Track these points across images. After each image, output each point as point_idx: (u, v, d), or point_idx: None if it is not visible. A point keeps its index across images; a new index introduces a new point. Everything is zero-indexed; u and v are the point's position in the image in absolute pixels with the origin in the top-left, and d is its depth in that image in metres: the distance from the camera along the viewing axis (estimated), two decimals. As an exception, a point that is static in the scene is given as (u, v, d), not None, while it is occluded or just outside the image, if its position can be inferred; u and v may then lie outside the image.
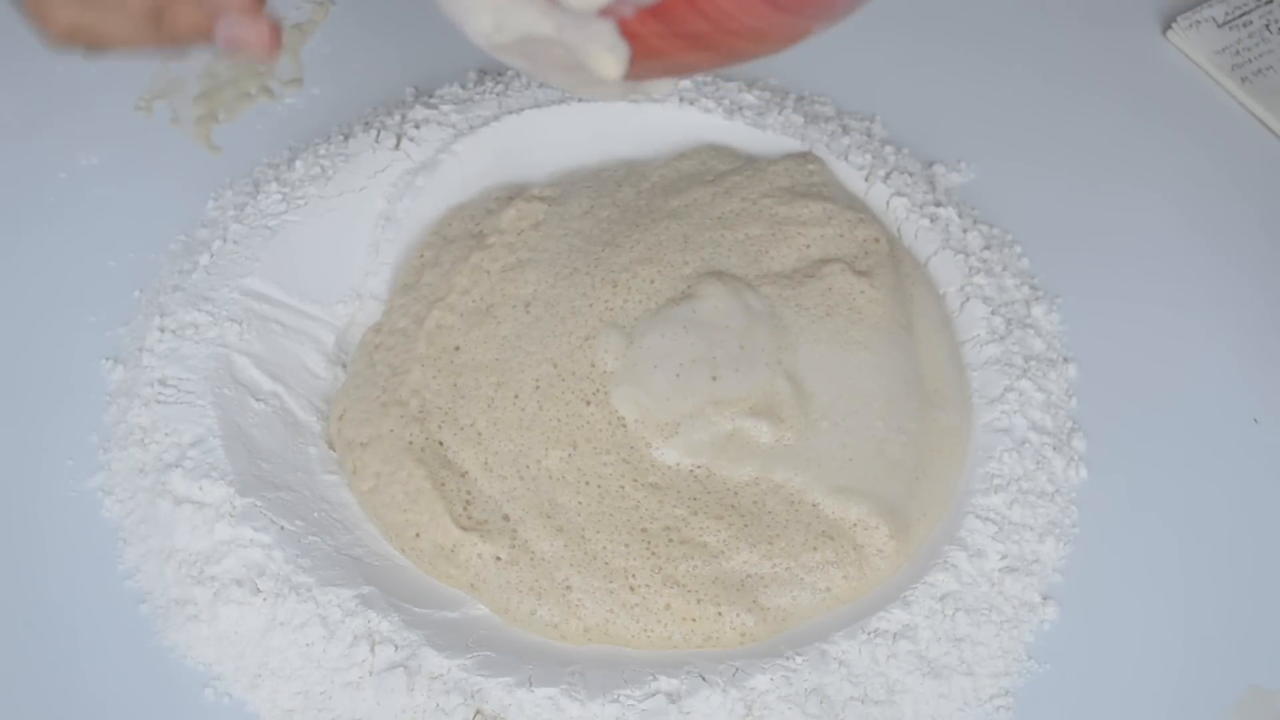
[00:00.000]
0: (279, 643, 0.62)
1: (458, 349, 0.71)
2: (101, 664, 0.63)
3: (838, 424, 0.68)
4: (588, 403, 0.69)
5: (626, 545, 0.65)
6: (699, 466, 0.68)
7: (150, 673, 0.63)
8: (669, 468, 0.67)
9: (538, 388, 0.69)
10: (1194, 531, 0.69)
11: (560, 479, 0.67)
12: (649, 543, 0.65)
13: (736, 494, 0.67)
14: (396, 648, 0.61)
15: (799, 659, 0.62)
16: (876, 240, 0.75)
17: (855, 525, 0.66)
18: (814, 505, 0.66)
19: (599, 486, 0.67)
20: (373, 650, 0.61)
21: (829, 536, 0.65)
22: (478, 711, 0.60)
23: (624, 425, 0.68)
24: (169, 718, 0.62)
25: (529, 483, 0.67)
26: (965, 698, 0.63)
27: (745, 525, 0.65)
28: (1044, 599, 0.66)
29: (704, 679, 0.61)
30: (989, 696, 0.63)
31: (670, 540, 0.65)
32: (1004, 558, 0.66)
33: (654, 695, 0.60)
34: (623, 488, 0.67)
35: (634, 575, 0.64)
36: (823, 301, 0.72)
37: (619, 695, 0.60)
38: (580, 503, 0.66)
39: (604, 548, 0.65)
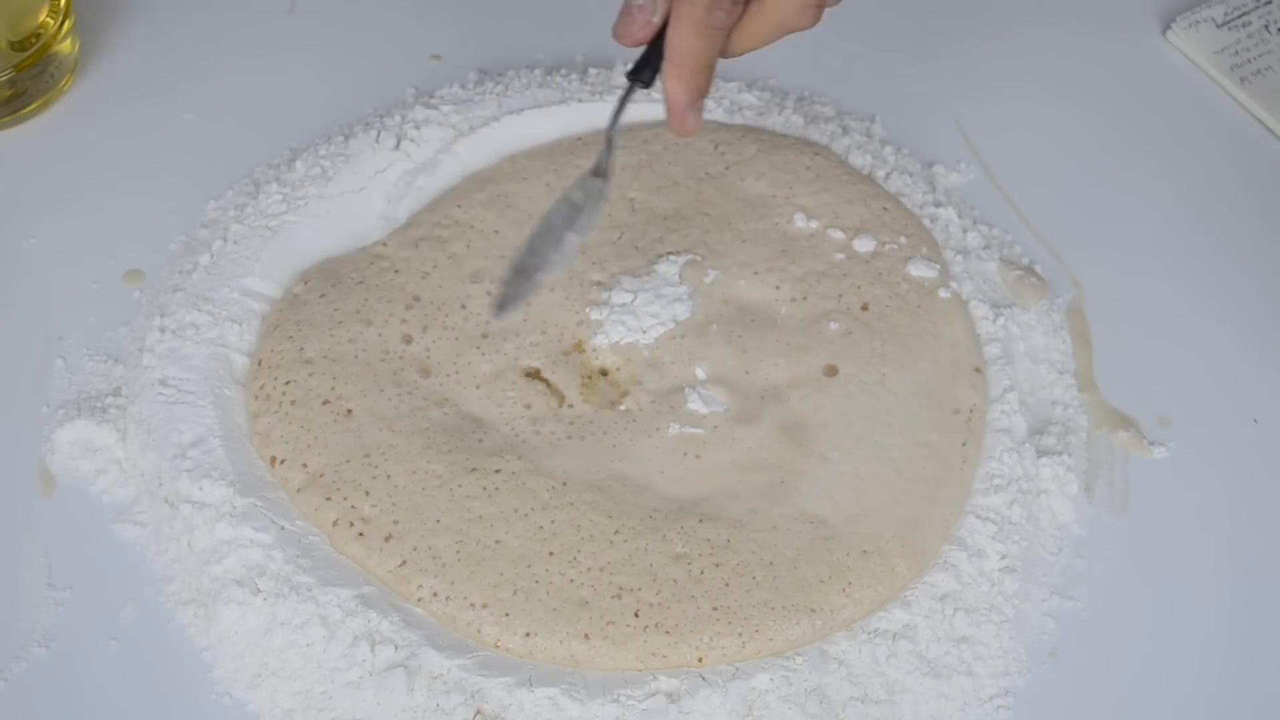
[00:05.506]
0: (279, 643, 0.62)
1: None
2: (101, 663, 0.63)
3: (849, 453, 0.67)
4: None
5: (618, 586, 0.63)
6: (701, 499, 0.66)
7: (150, 672, 0.63)
8: (667, 502, 0.66)
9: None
10: (1194, 532, 0.69)
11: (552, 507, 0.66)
12: (646, 575, 0.64)
13: (741, 528, 0.65)
14: (396, 648, 0.61)
15: (799, 659, 0.62)
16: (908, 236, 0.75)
17: (871, 553, 0.64)
18: (826, 540, 0.65)
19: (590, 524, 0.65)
20: (373, 650, 0.61)
21: (844, 568, 0.64)
22: (478, 711, 0.60)
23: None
24: (169, 718, 0.62)
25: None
26: (965, 698, 0.63)
27: (746, 563, 0.64)
28: (1044, 599, 0.66)
29: (704, 679, 0.61)
30: (989, 696, 0.63)
31: (669, 578, 0.63)
32: (1004, 558, 0.66)
33: (654, 695, 0.60)
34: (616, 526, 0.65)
35: (625, 613, 0.63)
36: (839, 307, 0.72)
37: (619, 695, 0.60)
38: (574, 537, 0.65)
39: (591, 586, 0.63)
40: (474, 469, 0.66)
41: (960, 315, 0.72)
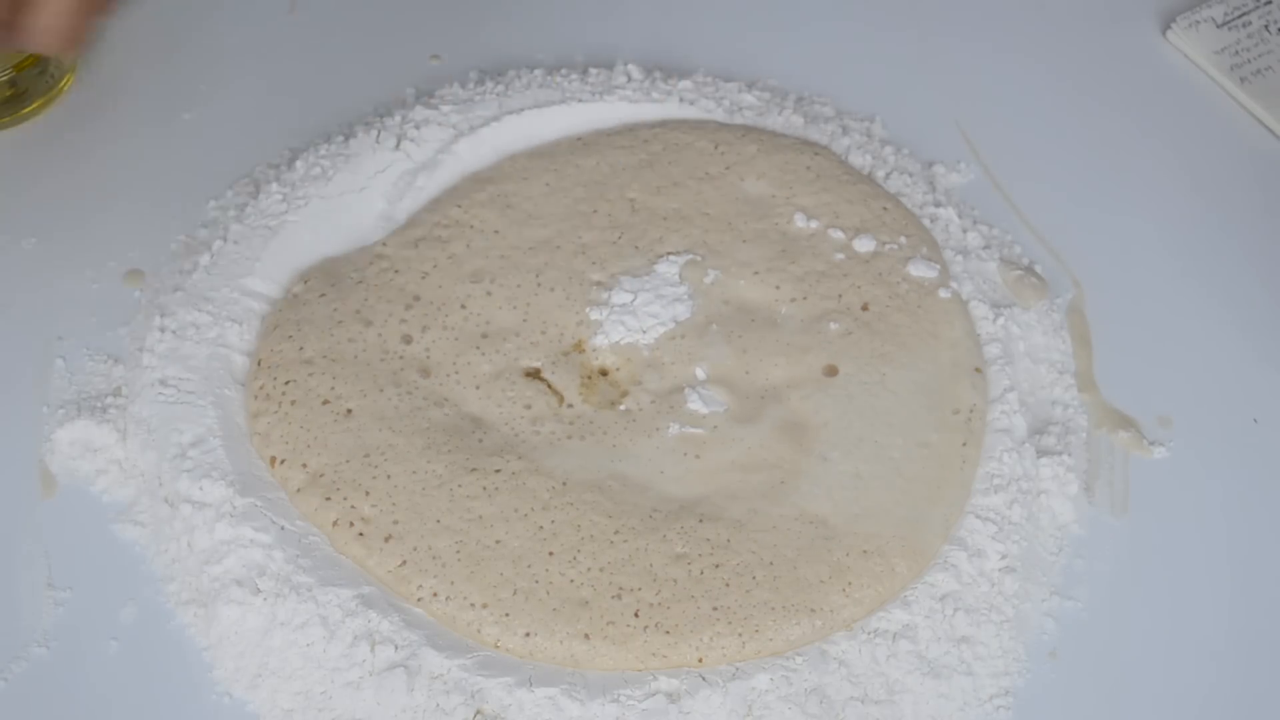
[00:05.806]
0: (279, 643, 0.62)
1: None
2: (101, 663, 0.63)
3: (849, 453, 0.67)
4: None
5: (618, 586, 0.63)
6: (701, 499, 0.66)
7: (150, 672, 0.63)
8: (667, 502, 0.66)
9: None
10: (1194, 532, 0.69)
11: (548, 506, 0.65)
12: (646, 575, 0.63)
13: (741, 528, 0.64)
14: (396, 648, 0.61)
15: (799, 659, 0.62)
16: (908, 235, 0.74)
17: (871, 553, 0.64)
18: (826, 540, 0.64)
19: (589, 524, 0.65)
20: (373, 650, 0.61)
21: (844, 568, 0.64)
22: (478, 711, 0.60)
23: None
24: (169, 718, 0.62)
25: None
26: (965, 698, 0.63)
27: (746, 563, 0.63)
28: (1044, 599, 0.66)
29: (704, 679, 0.61)
30: (989, 696, 0.63)
31: (669, 578, 0.63)
32: (1004, 558, 0.66)
33: (654, 695, 0.60)
34: (615, 527, 0.65)
35: (625, 613, 0.62)
36: (839, 307, 0.71)
37: (619, 695, 0.60)
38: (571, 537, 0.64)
39: (591, 586, 0.63)
40: (474, 469, 0.66)
41: (960, 315, 0.72)
